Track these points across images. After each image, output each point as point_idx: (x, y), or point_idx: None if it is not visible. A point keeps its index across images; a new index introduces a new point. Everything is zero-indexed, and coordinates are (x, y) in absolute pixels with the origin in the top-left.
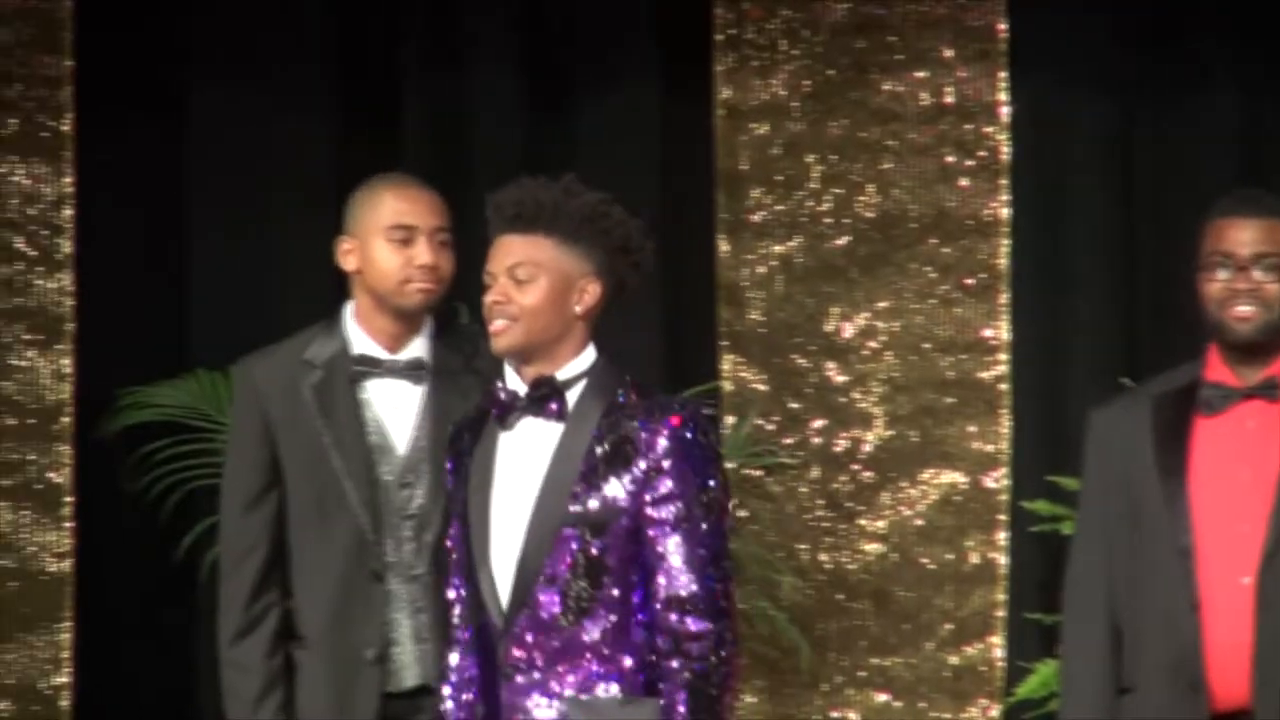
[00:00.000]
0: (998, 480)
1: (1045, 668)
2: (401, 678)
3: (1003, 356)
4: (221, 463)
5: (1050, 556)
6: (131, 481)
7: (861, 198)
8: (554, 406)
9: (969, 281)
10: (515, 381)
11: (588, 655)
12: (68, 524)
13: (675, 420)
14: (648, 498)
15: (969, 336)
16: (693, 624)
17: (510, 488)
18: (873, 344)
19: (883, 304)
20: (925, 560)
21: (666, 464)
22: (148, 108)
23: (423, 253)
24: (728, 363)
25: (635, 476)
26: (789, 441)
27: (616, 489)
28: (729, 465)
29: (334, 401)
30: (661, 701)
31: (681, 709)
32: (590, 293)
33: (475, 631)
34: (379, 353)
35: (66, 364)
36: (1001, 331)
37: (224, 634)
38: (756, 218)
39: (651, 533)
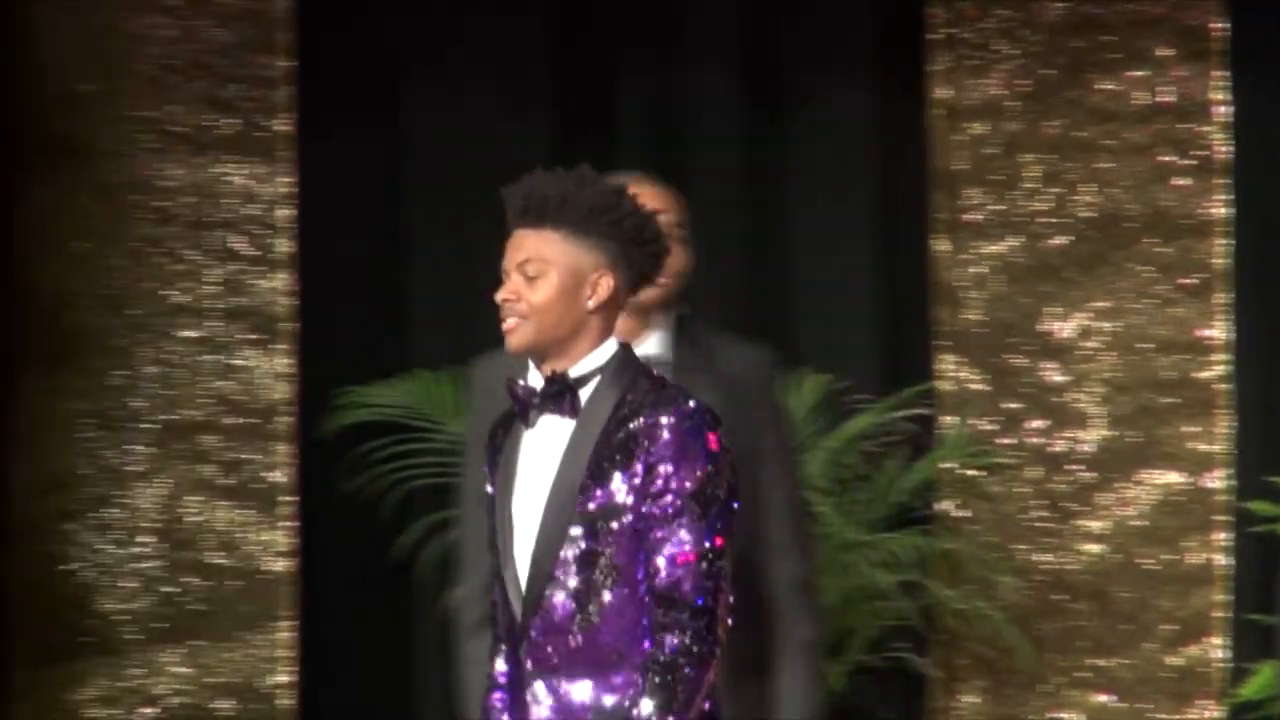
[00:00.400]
0: (1217, 480)
1: (1268, 669)
2: None
3: (1221, 357)
4: (439, 462)
5: (1271, 557)
6: (350, 481)
7: (1078, 197)
8: (567, 403)
9: (1186, 281)
10: (535, 377)
11: (603, 657)
12: (287, 523)
13: (675, 414)
14: (646, 492)
15: (1187, 336)
16: (674, 618)
17: (529, 486)
18: (1090, 344)
19: (1100, 304)
20: (1145, 561)
21: (664, 458)
22: (365, 107)
23: None
24: (945, 363)
25: (636, 472)
26: (1007, 441)
27: (620, 486)
28: (946, 466)
29: None
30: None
31: (645, 700)
32: (603, 286)
33: (506, 633)
34: None
35: (285, 363)
36: (1219, 331)
37: (460, 629)
38: (973, 217)
39: (647, 527)
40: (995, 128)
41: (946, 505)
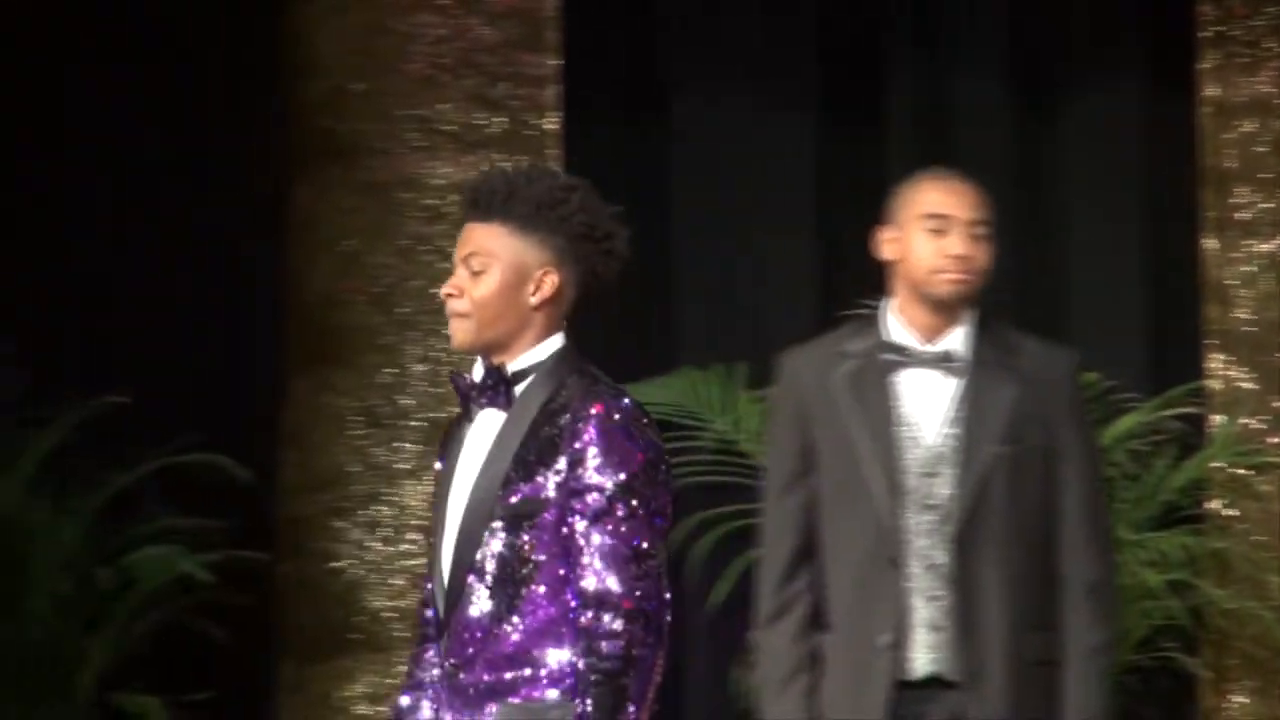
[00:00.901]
0: None
1: None
2: (914, 666)
3: None
4: (706, 460)
5: None
6: None
7: None
8: (503, 396)
9: None
10: (478, 370)
11: (520, 653)
12: None
13: (599, 408)
14: (571, 488)
15: None
16: (607, 622)
17: (463, 479)
18: None
19: None
20: None
21: (589, 454)
22: (632, 105)
23: (956, 243)
24: (1215, 361)
25: (560, 467)
26: (1277, 440)
27: (543, 480)
28: (1216, 465)
29: (865, 390)
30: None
31: (590, 710)
32: (548, 284)
33: (435, 627)
34: (912, 343)
35: None
36: None
37: (758, 617)
38: (1243, 216)
39: (573, 525)
40: (1265, 125)
41: (1216, 504)
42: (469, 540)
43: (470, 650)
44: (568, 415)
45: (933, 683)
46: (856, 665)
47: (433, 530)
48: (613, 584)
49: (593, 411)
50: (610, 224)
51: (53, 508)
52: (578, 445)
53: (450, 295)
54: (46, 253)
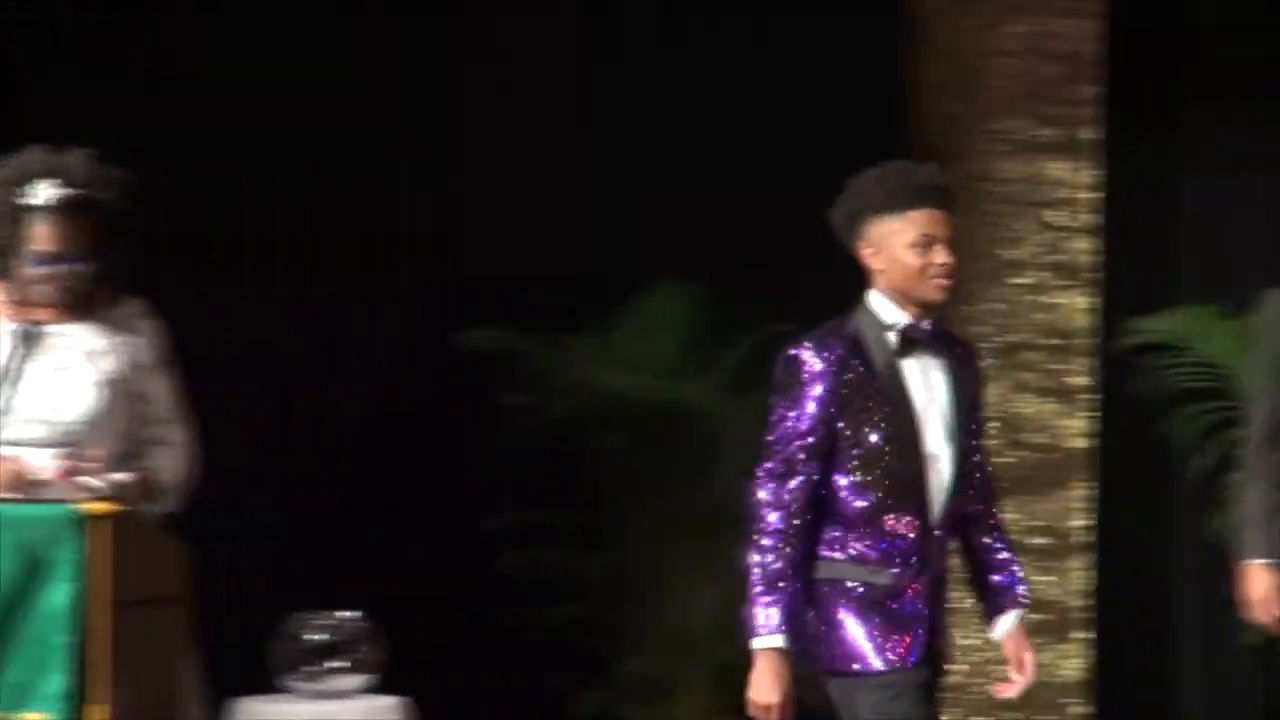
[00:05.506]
0: None
1: None
2: None
3: None
4: (1199, 373)
5: None
6: (1138, 385)
7: None
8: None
9: None
10: (906, 319)
11: (996, 542)
12: (1086, 412)
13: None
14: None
15: None
16: (1000, 515)
17: (933, 411)
18: None
19: None
20: None
21: (979, 385)
22: (1153, 123)
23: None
24: None
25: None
26: None
27: (981, 406)
28: None
29: None
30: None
31: (1021, 589)
32: None
33: (911, 535)
34: None
35: (1085, 302)
36: None
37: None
38: None
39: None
40: None
41: None
42: (964, 459)
43: (942, 551)
44: (973, 356)
45: None
46: None
47: (898, 453)
48: (993, 482)
49: (976, 357)
50: None
51: None
52: (978, 378)
53: (955, 269)
54: None
